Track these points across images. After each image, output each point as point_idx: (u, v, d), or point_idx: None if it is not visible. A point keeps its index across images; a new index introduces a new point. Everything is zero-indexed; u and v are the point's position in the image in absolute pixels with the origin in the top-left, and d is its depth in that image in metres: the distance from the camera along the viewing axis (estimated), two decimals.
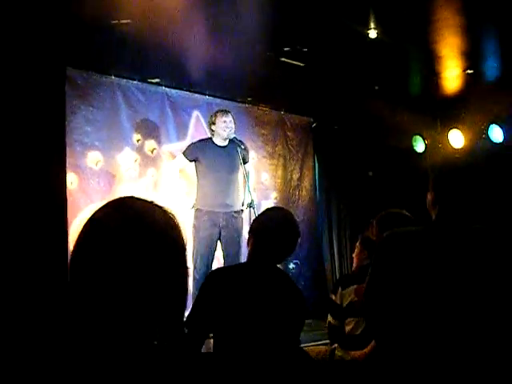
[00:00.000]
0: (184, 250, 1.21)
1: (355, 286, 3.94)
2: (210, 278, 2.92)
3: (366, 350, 3.73)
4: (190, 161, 5.81)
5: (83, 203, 5.81)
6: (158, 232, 1.15)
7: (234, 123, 5.90)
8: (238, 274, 2.91)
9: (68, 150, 5.75)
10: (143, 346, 1.12)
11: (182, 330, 1.17)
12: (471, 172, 2.47)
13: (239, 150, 5.76)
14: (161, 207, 1.21)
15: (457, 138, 7.76)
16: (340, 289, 4.05)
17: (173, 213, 1.21)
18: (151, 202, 1.22)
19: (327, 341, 4.39)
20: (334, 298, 4.08)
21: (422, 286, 2.31)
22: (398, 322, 2.35)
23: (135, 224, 1.15)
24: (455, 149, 7.69)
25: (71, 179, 5.75)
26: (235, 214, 5.78)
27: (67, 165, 5.71)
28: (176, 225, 1.20)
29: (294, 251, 3.07)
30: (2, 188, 4.33)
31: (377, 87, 7.04)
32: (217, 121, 5.81)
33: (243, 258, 5.49)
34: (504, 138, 7.31)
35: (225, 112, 5.89)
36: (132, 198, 1.23)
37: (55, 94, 5.20)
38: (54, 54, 4.99)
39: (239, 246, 5.73)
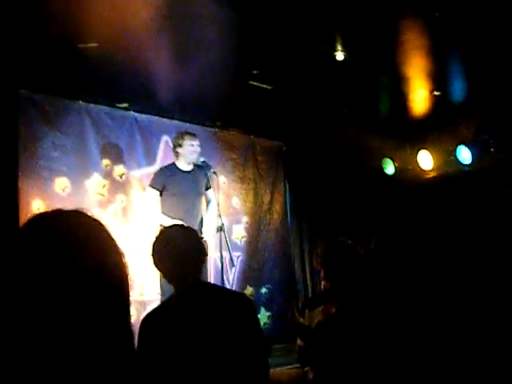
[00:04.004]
0: (112, 250, 1.17)
1: (322, 307, 3.96)
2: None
3: None
4: (160, 190, 5.72)
5: None
6: (79, 235, 1.13)
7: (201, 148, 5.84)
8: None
9: (35, 176, 5.69)
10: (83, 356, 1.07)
11: (128, 336, 1.11)
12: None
13: (208, 173, 5.70)
14: (86, 213, 1.19)
15: (426, 160, 7.83)
16: (307, 310, 4.05)
17: (100, 221, 1.19)
18: (78, 211, 1.19)
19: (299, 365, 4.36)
20: (301, 320, 4.08)
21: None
22: None
23: (56, 228, 1.12)
24: (424, 170, 7.75)
25: (38, 205, 5.64)
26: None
27: (34, 191, 5.66)
28: (102, 228, 1.18)
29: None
30: None
31: (346, 110, 7.09)
32: (184, 144, 5.74)
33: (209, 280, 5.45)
34: (472, 159, 7.38)
35: (193, 136, 5.81)
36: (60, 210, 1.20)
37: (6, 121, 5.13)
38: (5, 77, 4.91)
39: (205, 270, 5.66)
